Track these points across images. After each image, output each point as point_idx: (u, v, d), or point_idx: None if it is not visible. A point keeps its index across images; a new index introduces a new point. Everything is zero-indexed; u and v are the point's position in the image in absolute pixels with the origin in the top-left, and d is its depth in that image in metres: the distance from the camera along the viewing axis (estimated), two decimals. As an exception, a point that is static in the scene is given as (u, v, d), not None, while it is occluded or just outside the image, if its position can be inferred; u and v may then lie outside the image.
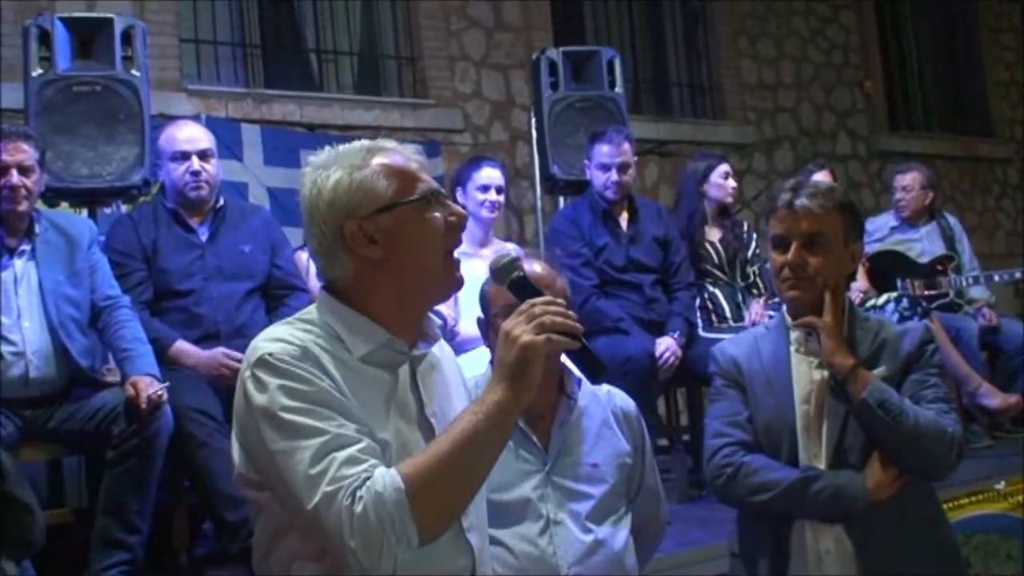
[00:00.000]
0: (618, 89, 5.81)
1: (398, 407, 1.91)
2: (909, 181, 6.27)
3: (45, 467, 4.04)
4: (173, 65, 6.19)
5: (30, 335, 3.67)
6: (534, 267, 2.56)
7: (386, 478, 1.71)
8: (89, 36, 4.53)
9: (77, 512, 3.85)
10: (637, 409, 2.76)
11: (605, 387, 2.72)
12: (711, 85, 8.63)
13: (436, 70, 7.17)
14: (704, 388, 5.34)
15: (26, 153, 3.74)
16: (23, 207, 3.75)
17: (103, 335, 3.82)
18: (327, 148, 1.99)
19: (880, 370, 2.56)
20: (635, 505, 2.69)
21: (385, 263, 1.90)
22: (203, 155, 4.18)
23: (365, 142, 1.98)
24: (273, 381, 1.80)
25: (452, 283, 1.97)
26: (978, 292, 6.12)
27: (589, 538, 2.52)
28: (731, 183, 5.45)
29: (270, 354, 1.83)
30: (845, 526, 2.54)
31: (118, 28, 4.50)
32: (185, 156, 4.15)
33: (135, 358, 3.68)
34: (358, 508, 1.69)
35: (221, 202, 4.25)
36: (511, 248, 5.09)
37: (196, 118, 5.46)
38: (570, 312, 1.80)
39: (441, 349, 2.09)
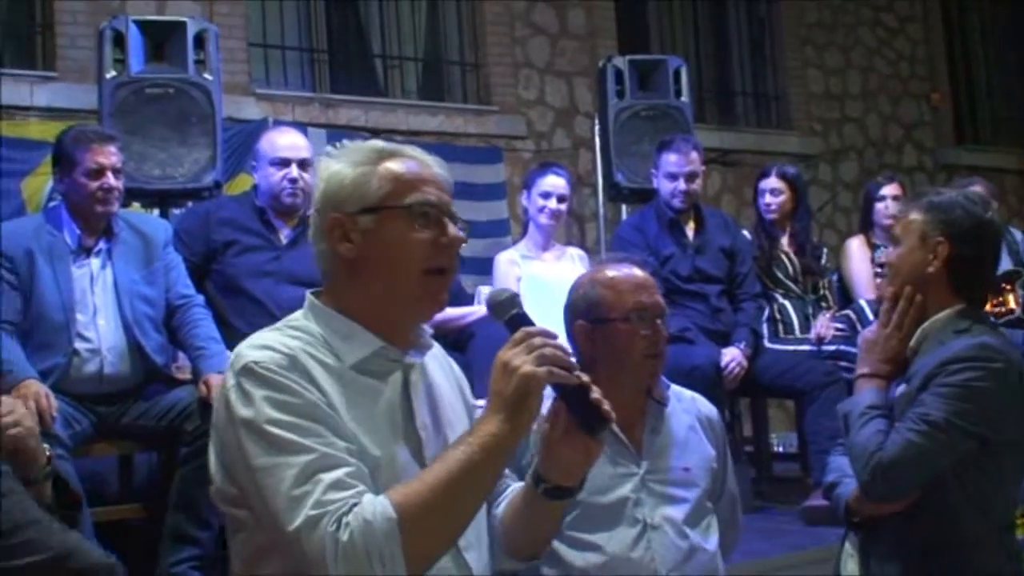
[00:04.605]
0: (684, 98, 5.83)
1: (389, 419, 1.81)
2: None
3: (116, 462, 4.09)
4: (242, 69, 6.26)
5: (105, 332, 3.72)
6: (634, 271, 2.56)
7: (376, 506, 1.61)
8: (162, 39, 4.61)
9: (148, 508, 3.89)
10: (719, 415, 2.76)
11: (688, 393, 2.73)
12: (776, 95, 8.58)
13: (500, 76, 7.19)
14: (768, 399, 5.35)
15: (117, 155, 3.80)
16: (115, 208, 3.81)
17: (176, 333, 3.87)
18: (345, 142, 1.94)
19: (902, 387, 2.57)
20: (717, 510, 2.67)
21: (356, 264, 1.84)
22: (302, 164, 4.20)
23: (381, 143, 1.93)
24: (258, 392, 1.69)
25: (430, 304, 1.86)
26: None
27: (686, 544, 2.49)
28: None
29: (255, 362, 1.72)
30: (855, 532, 2.62)
31: (191, 31, 4.58)
32: (285, 163, 4.18)
33: (209, 356, 3.72)
34: (344, 536, 1.58)
35: (311, 211, 4.26)
36: (575, 253, 5.15)
37: (264, 122, 5.53)
38: (567, 347, 1.72)
39: (435, 357, 1.98)
